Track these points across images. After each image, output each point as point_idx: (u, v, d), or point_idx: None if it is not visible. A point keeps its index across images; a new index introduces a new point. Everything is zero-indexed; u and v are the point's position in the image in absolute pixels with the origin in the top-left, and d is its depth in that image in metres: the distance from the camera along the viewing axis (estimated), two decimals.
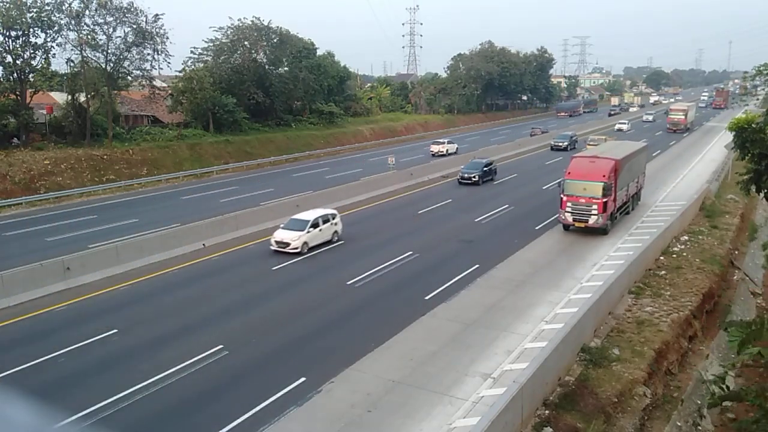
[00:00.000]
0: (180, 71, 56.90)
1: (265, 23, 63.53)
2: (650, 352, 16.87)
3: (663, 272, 23.42)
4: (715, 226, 30.38)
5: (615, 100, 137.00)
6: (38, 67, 46.23)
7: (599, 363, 15.97)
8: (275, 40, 64.29)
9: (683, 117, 75.65)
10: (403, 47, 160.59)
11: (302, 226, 25.46)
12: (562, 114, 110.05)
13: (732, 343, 11.43)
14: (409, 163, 50.46)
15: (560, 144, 61.41)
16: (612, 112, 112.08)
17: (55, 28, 44.64)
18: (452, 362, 15.73)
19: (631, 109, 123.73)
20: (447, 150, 57.05)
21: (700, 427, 15.51)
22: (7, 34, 42.53)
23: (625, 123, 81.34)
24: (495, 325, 18.07)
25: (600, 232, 27.67)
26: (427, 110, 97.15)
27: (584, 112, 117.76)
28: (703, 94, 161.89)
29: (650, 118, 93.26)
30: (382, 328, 17.71)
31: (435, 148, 57.36)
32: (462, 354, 16.19)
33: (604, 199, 26.92)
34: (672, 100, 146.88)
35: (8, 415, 3.68)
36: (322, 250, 26.00)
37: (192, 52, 61.06)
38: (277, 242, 25.35)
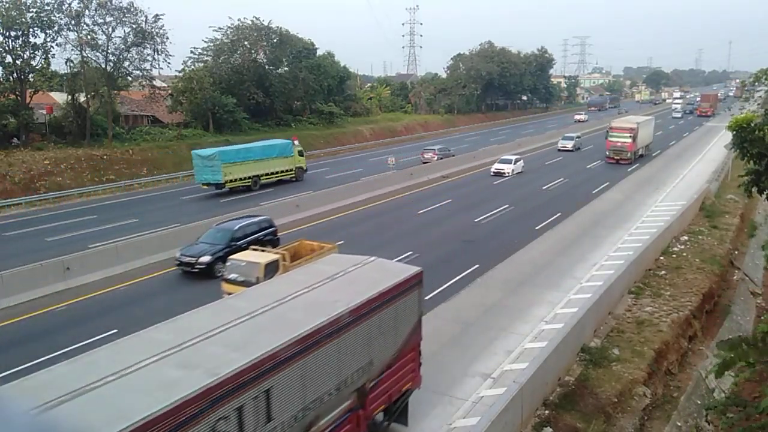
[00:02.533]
0: (180, 71, 57.02)
1: (265, 23, 63.64)
2: (650, 352, 16.87)
3: (663, 272, 23.43)
4: (715, 226, 30.40)
5: (638, 97, 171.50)
6: (38, 67, 46.38)
7: (599, 363, 15.97)
8: (275, 40, 64.38)
9: (629, 140, 49.92)
10: (403, 47, 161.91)
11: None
12: (593, 108, 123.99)
13: (715, 365, 11.18)
14: (409, 163, 50.46)
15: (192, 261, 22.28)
16: (656, 102, 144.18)
17: (55, 28, 44.79)
18: (452, 362, 15.72)
19: (667, 100, 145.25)
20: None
21: (699, 428, 15.50)
22: (7, 34, 42.63)
23: (509, 162, 46.06)
24: (495, 325, 18.06)
25: None
26: (427, 110, 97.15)
27: (609, 107, 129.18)
28: (676, 101, 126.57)
29: (569, 145, 59.76)
30: None
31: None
32: (462, 354, 16.19)
33: None
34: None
35: (8, 415, 3.68)
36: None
37: (192, 52, 61.29)
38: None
